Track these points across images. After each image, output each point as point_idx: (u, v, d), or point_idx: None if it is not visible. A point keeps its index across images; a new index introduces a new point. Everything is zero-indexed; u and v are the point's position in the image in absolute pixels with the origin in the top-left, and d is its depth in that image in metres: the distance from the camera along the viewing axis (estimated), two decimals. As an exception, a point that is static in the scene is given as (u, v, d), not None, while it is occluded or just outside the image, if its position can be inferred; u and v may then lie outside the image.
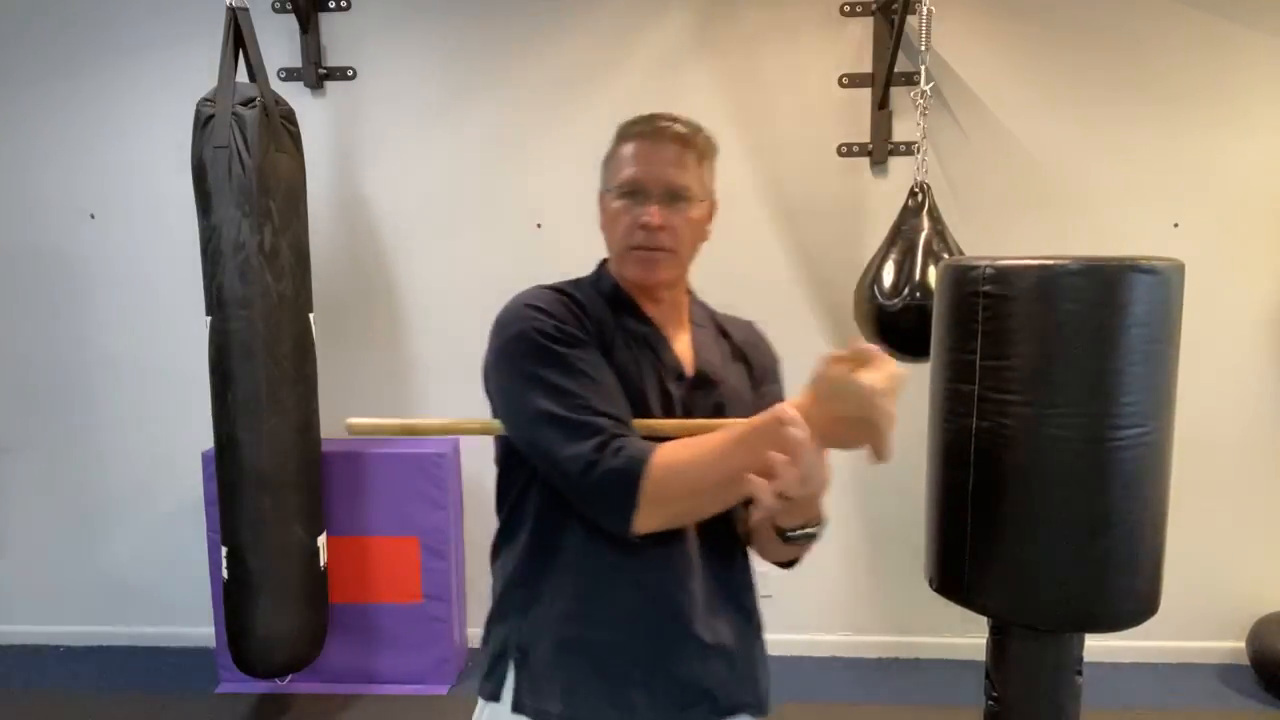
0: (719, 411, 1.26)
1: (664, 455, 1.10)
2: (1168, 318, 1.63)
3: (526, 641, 1.21)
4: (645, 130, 1.26)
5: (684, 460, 1.10)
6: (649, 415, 1.23)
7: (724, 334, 1.40)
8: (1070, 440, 1.60)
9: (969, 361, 1.69)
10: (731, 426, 1.11)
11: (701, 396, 1.28)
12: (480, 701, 1.27)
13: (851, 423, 1.00)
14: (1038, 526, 1.65)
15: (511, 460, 1.27)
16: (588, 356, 1.19)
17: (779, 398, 1.37)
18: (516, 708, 1.20)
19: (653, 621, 1.19)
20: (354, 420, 1.31)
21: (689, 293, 1.40)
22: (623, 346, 1.25)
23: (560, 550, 1.21)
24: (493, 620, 1.29)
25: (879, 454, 1.00)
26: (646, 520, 1.11)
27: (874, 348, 1.03)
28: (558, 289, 1.28)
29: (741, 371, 1.36)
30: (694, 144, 1.27)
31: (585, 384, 1.16)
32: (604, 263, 1.36)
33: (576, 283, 1.33)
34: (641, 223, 1.23)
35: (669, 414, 1.24)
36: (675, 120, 1.27)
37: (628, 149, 1.27)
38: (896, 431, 1.05)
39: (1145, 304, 1.58)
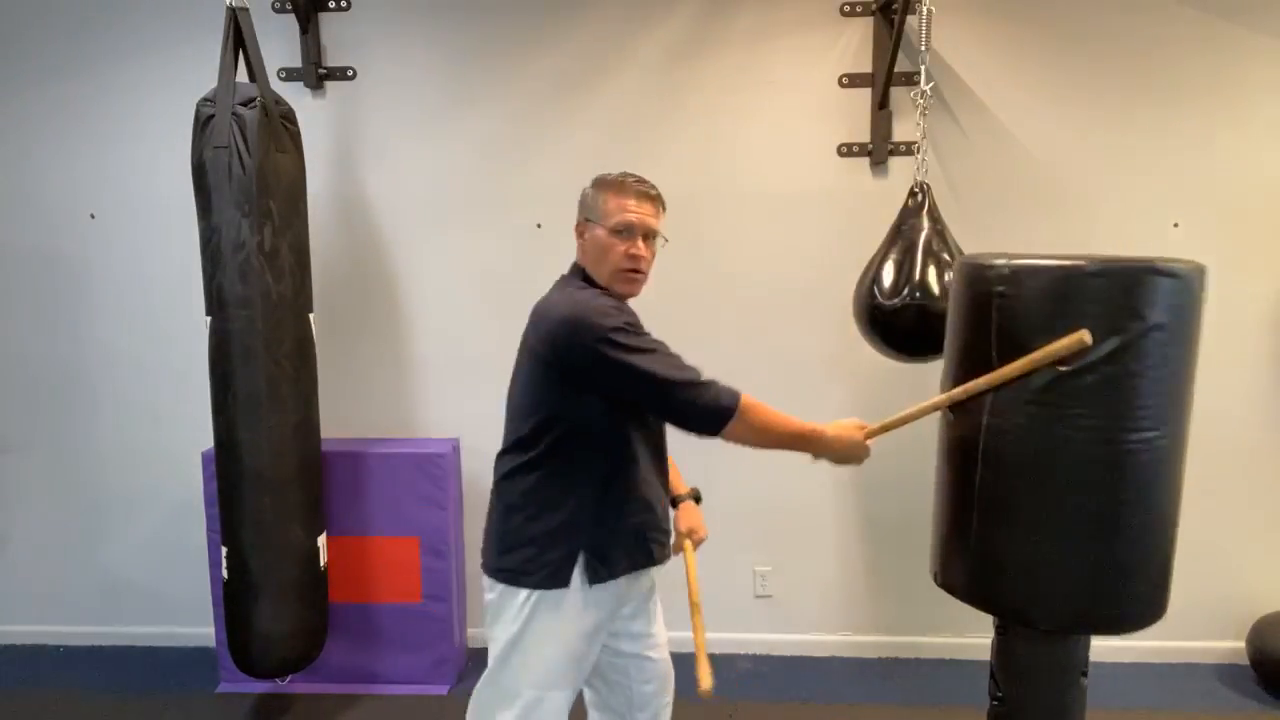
0: None
1: (747, 399, 1.70)
2: (1186, 321, 1.59)
3: (600, 538, 1.78)
4: (636, 189, 1.80)
5: (762, 412, 1.72)
6: None
7: None
8: (1083, 441, 1.58)
9: (983, 359, 1.68)
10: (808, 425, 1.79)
11: None
12: (534, 593, 1.76)
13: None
14: (1047, 526, 1.63)
15: (585, 418, 1.74)
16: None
17: None
18: (594, 581, 1.77)
19: (655, 502, 1.87)
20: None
21: None
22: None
23: (616, 477, 1.79)
24: (559, 533, 1.76)
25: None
26: (732, 431, 1.70)
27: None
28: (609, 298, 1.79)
29: None
30: (660, 201, 1.84)
31: (667, 349, 1.74)
32: (583, 274, 1.83)
33: (604, 292, 1.80)
34: (633, 253, 1.78)
35: None
36: (649, 184, 1.83)
37: (620, 200, 1.79)
38: (896, 431, 1.83)
39: (1163, 307, 1.55)
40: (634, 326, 1.70)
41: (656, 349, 1.69)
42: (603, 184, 1.82)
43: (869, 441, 1.81)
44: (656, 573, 1.97)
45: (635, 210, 1.77)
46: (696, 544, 2.08)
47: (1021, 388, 1.61)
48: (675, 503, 2.09)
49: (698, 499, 2.12)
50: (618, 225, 1.76)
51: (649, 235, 1.80)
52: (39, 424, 3.30)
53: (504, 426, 1.86)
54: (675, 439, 1.90)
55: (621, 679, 1.95)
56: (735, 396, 1.68)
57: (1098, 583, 1.64)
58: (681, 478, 2.12)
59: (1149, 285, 1.55)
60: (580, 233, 1.83)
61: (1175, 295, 1.56)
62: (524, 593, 1.76)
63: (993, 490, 1.68)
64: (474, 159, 3.11)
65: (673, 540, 1.99)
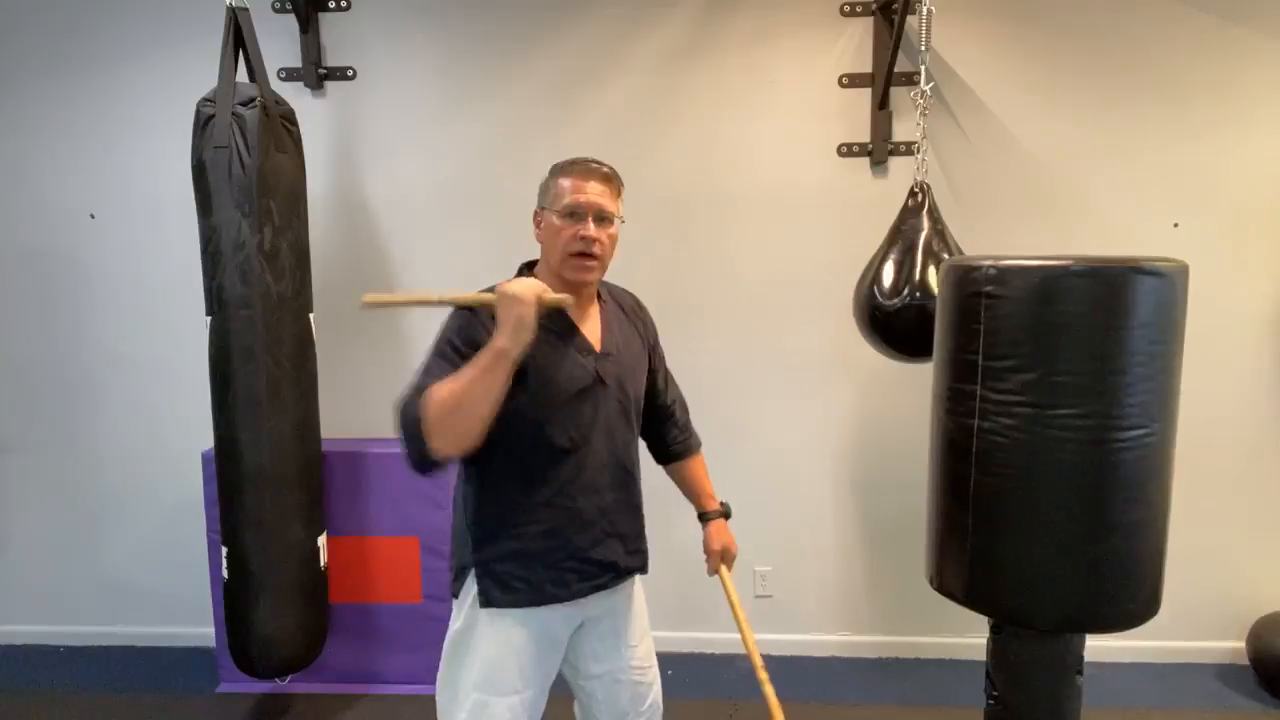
0: (620, 374, 1.75)
1: (433, 390, 1.52)
2: (1171, 319, 1.61)
3: (488, 558, 1.69)
4: (581, 169, 1.69)
5: (447, 390, 1.51)
6: (575, 382, 1.67)
7: (618, 304, 1.85)
8: (1072, 441, 1.59)
9: (971, 361, 1.69)
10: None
11: (609, 364, 1.73)
12: (454, 603, 1.77)
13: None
14: (1039, 527, 1.64)
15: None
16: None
17: (661, 354, 1.95)
18: (485, 604, 1.70)
19: (571, 529, 1.70)
20: (369, 296, 1.62)
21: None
22: (543, 338, 1.61)
23: (503, 490, 1.68)
24: (461, 546, 1.74)
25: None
26: (434, 440, 1.50)
27: None
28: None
29: (634, 332, 1.84)
30: (614, 181, 1.71)
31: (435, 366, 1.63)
32: (528, 266, 1.76)
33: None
34: (581, 235, 1.64)
35: (591, 376, 1.69)
36: (601, 163, 1.71)
37: (567, 182, 1.67)
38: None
39: (1148, 305, 1.57)
40: (461, 335, 1.64)
41: (428, 364, 1.64)
42: (554, 168, 1.73)
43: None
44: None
45: (582, 190, 1.65)
46: (730, 563, 2.04)
47: (1010, 387, 1.62)
48: (703, 519, 2.05)
49: (727, 514, 2.07)
50: (564, 208, 1.65)
51: (602, 218, 1.66)
52: (39, 424, 3.30)
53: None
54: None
55: (588, 700, 1.87)
56: (416, 403, 1.52)
57: (1091, 582, 1.64)
58: (709, 491, 2.06)
59: (1133, 284, 1.56)
60: (536, 223, 1.73)
61: (1159, 294, 1.58)
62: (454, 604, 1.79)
63: (985, 492, 1.69)
64: (474, 159, 3.11)
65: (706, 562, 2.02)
